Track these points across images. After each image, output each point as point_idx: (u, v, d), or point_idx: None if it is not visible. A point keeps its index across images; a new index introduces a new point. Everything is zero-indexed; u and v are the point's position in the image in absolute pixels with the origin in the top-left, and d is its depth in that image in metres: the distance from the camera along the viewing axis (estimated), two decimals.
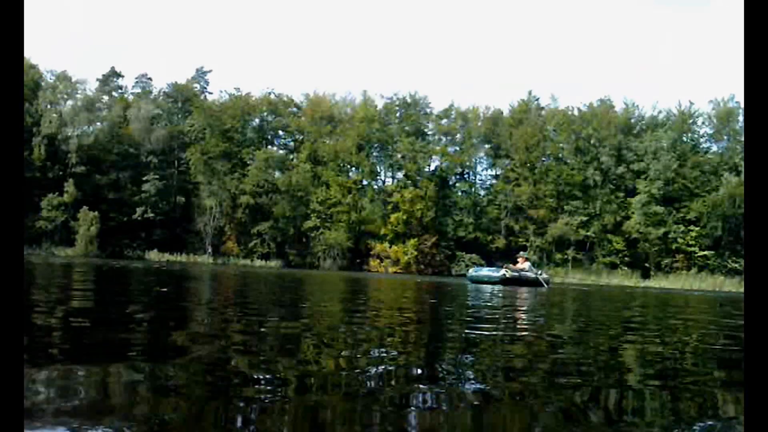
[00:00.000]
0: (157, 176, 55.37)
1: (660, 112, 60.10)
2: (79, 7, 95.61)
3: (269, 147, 61.91)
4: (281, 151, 62.77)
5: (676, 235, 53.45)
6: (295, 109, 63.45)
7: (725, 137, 57.78)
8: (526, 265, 25.45)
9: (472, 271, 27.15)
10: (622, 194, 56.64)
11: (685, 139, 58.14)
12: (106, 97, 60.10)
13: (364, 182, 59.93)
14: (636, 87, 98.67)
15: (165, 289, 9.51)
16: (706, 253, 52.81)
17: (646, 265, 54.03)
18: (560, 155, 58.91)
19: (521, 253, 28.37)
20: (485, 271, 25.49)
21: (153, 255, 50.87)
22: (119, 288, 9.86)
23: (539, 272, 26.03)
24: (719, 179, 53.85)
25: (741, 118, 54.89)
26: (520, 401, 2.58)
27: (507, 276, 23.30)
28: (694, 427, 2.28)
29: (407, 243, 54.69)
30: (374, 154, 61.65)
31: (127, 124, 57.09)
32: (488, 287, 19.60)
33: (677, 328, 7.10)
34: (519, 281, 23.21)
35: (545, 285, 23.51)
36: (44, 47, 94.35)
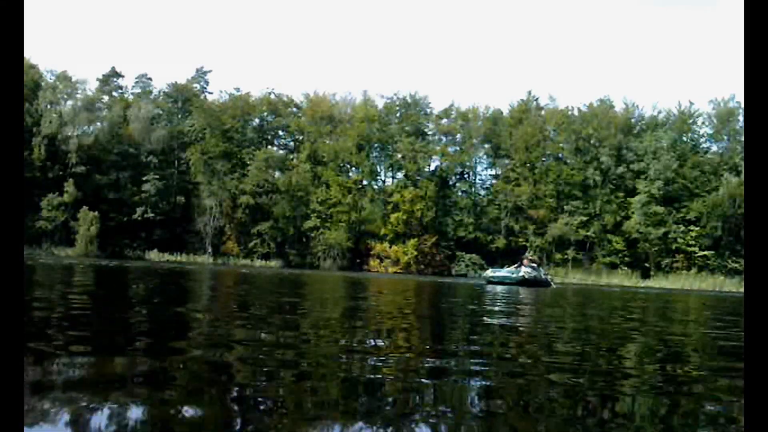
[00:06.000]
0: (157, 176, 55.28)
1: (660, 112, 60.08)
2: (79, 7, 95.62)
3: (269, 147, 61.77)
4: (281, 151, 62.66)
5: (676, 235, 53.36)
6: (295, 109, 63.34)
7: (725, 137, 57.68)
8: (533, 266, 26.31)
9: (489, 272, 27.69)
10: (622, 194, 56.53)
11: (685, 139, 58.06)
12: (106, 97, 60.02)
13: (364, 182, 59.82)
14: (636, 87, 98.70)
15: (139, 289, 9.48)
16: (706, 253, 52.73)
17: (646, 265, 53.95)
18: (560, 155, 58.86)
19: (526, 254, 28.97)
20: (504, 272, 26.35)
21: (153, 255, 50.79)
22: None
23: (545, 273, 27.07)
24: (719, 179, 53.76)
25: (741, 118, 54.79)
26: (522, 404, 2.57)
27: (525, 277, 24.25)
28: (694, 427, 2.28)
29: (407, 243, 54.63)
30: (374, 154, 61.53)
31: (127, 124, 56.98)
32: (501, 287, 20.62)
33: (674, 327, 7.09)
34: (534, 282, 24.23)
35: (552, 285, 24.55)
36: (44, 47, 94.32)
